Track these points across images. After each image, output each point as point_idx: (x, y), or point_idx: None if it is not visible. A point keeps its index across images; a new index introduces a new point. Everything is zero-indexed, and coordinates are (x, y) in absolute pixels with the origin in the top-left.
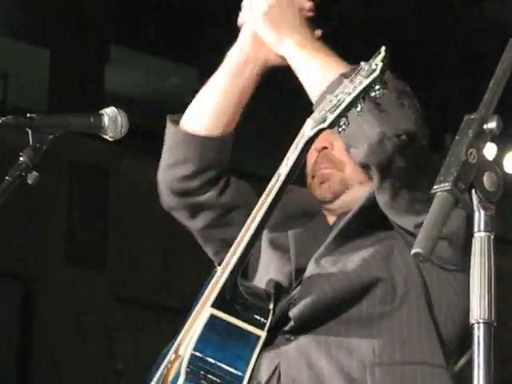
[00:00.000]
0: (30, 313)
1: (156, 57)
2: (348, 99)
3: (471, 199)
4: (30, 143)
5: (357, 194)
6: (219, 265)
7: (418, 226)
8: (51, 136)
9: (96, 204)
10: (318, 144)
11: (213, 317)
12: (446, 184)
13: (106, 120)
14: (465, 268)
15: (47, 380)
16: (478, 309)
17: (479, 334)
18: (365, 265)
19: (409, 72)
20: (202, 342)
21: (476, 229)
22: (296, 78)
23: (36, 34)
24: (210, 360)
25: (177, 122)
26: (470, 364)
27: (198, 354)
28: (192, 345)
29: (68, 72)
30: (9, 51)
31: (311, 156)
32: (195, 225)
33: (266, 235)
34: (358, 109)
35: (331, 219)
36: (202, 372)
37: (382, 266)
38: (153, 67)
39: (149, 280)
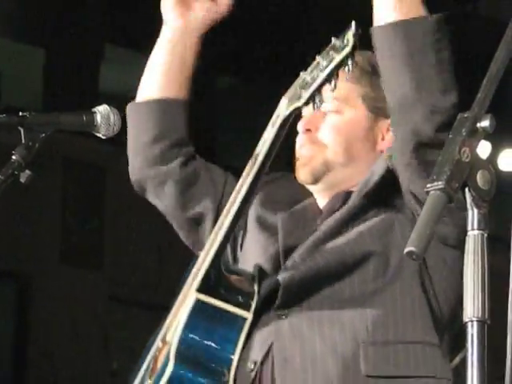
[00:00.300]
0: (25, 312)
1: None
2: (321, 76)
3: (464, 198)
4: (23, 142)
5: (339, 175)
6: (194, 249)
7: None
8: (43, 134)
9: (91, 203)
10: (302, 126)
11: (199, 301)
12: (440, 183)
13: (98, 118)
14: (460, 246)
15: (43, 379)
16: (472, 307)
17: (473, 332)
18: (359, 238)
19: None
20: (190, 327)
21: (469, 227)
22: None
23: (30, 34)
24: (199, 344)
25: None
26: (464, 362)
27: (186, 338)
28: (179, 330)
29: (62, 71)
30: (3, 50)
31: (299, 138)
32: (163, 202)
33: (254, 210)
34: (332, 85)
35: (321, 202)
36: (191, 356)
37: (378, 240)
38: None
39: (144, 279)
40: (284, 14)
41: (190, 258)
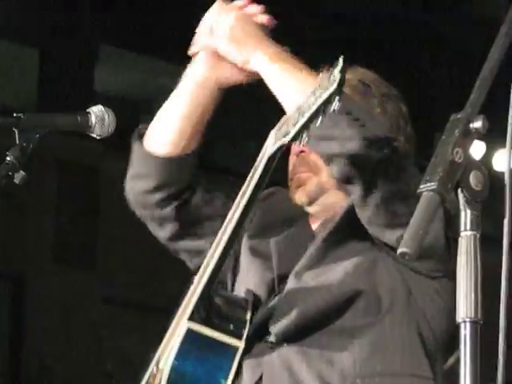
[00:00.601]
0: (18, 311)
1: (145, 56)
2: (308, 113)
3: (457, 198)
4: (17, 143)
5: (334, 197)
6: (195, 272)
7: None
8: (38, 135)
9: (85, 203)
10: (296, 148)
11: (190, 331)
12: (433, 183)
13: (93, 118)
14: (448, 273)
15: (36, 379)
16: (465, 307)
17: (466, 332)
18: (347, 278)
19: (395, 71)
20: (181, 357)
21: (462, 228)
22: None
23: (25, 34)
24: (190, 374)
25: (141, 133)
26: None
27: (177, 368)
28: (171, 360)
29: (57, 72)
30: None
31: (291, 159)
32: (161, 235)
33: (245, 242)
34: (319, 122)
35: (314, 225)
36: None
37: (365, 279)
38: (142, 66)
39: (136, 280)
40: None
41: (180, 260)
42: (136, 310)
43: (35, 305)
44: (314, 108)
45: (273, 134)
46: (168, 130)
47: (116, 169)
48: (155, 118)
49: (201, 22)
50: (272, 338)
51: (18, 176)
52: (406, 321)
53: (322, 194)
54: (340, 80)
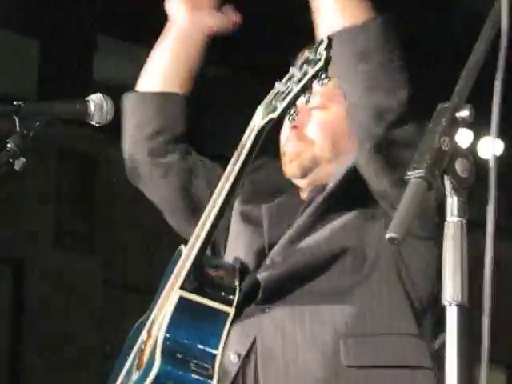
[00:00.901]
0: (19, 297)
1: (141, 46)
2: (295, 88)
3: (444, 185)
4: (18, 130)
5: (325, 170)
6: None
7: (393, 184)
8: (38, 123)
9: (84, 190)
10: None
11: (182, 298)
12: (420, 170)
13: (91, 106)
14: (434, 235)
15: (37, 362)
16: (451, 290)
17: (452, 315)
18: (335, 234)
19: None
20: (174, 324)
21: (448, 214)
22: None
23: (25, 25)
24: (183, 340)
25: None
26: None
27: (170, 335)
28: (164, 327)
29: (56, 61)
30: None
31: (284, 132)
32: (162, 193)
33: (237, 207)
34: (306, 97)
35: (304, 194)
36: (176, 353)
37: (353, 236)
38: (138, 56)
39: (134, 264)
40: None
41: (174, 244)
42: (133, 293)
43: (36, 289)
44: (302, 84)
45: (261, 108)
46: (158, 69)
47: (115, 157)
48: (147, 62)
49: None
50: (261, 295)
51: (19, 163)
52: (392, 279)
53: (314, 168)
54: (327, 56)
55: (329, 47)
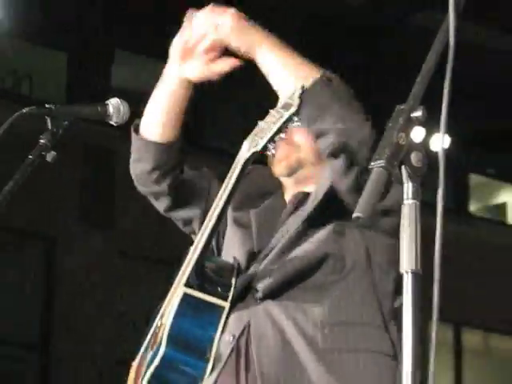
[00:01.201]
0: (50, 268)
1: (152, 58)
2: (273, 129)
3: (401, 173)
4: (49, 128)
5: (308, 171)
6: (192, 233)
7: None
8: (66, 122)
9: (104, 176)
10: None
11: (185, 295)
12: (381, 161)
13: (110, 109)
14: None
15: (68, 325)
16: (407, 260)
17: (408, 281)
18: (319, 244)
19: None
20: (179, 316)
21: (405, 197)
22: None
23: (55, 41)
24: (186, 329)
25: (137, 126)
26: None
27: (175, 325)
28: (170, 318)
29: (81, 71)
30: (33, 55)
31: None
32: (159, 207)
33: (230, 214)
34: (283, 135)
35: (287, 195)
36: (179, 339)
37: (334, 245)
38: (149, 66)
39: (148, 237)
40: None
41: None
42: (146, 262)
43: (64, 261)
44: (278, 125)
45: (246, 143)
46: (154, 122)
47: (128, 149)
48: (144, 113)
49: (193, 25)
50: (258, 295)
51: (50, 155)
52: (365, 279)
53: (299, 168)
54: (298, 104)
55: (302, 95)
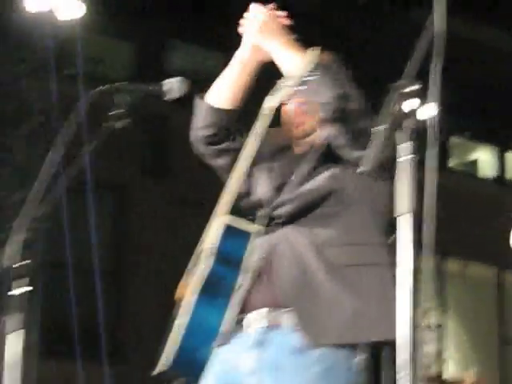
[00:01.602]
0: (120, 215)
1: (198, 46)
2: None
3: (399, 135)
4: (118, 102)
5: (316, 136)
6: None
7: (358, 157)
8: (130, 98)
9: (161, 138)
10: (294, 105)
11: (226, 225)
12: (383, 126)
13: (165, 87)
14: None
15: (137, 262)
16: (401, 205)
17: (404, 221)
18: (325, 180)
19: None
20: (223, 238)
21: (403, 154)
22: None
23: (123, 32)
24: (227, 249)
25: (202, 96)
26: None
27: (220, 245)
28: (218, 240)
29: (144, 59)
30: (105, 46)
31: (288, 111)
32: (219, 163)
33: (256, 161)
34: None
35: (298, 149)
36: (223, 256)
37: (338, 182)
38: (199, 55)
39: (197, 187)
40: None
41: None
42: (193, 208)
43: (131, 208)
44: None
45: (268, 97)
46: (223, 90)
47: (181, 119)
48: (216, 82)
49: (246, 17)
50: (278, 221)
51: (119, 123)
52: (365, 207)
53: (311, 134)
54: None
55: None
